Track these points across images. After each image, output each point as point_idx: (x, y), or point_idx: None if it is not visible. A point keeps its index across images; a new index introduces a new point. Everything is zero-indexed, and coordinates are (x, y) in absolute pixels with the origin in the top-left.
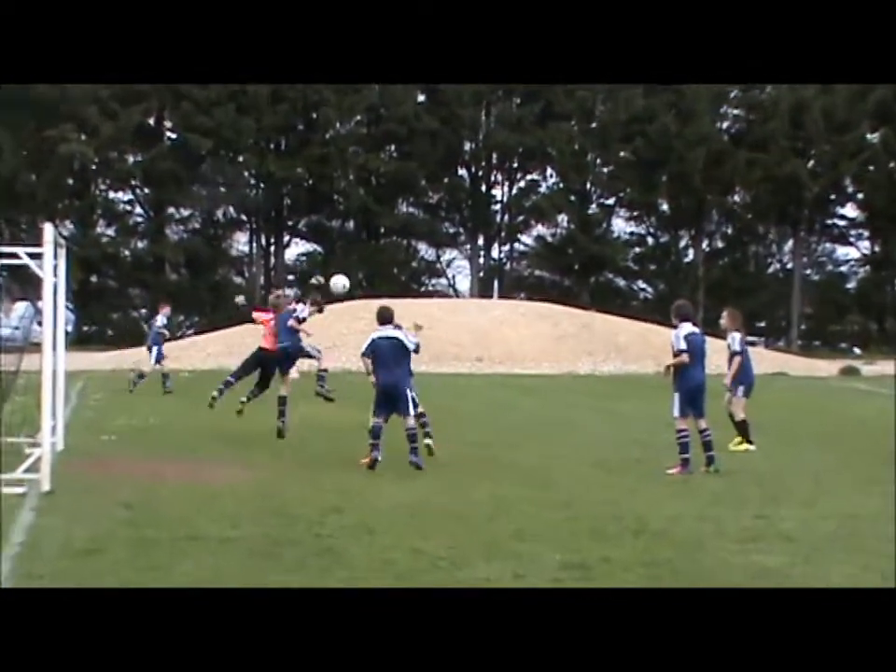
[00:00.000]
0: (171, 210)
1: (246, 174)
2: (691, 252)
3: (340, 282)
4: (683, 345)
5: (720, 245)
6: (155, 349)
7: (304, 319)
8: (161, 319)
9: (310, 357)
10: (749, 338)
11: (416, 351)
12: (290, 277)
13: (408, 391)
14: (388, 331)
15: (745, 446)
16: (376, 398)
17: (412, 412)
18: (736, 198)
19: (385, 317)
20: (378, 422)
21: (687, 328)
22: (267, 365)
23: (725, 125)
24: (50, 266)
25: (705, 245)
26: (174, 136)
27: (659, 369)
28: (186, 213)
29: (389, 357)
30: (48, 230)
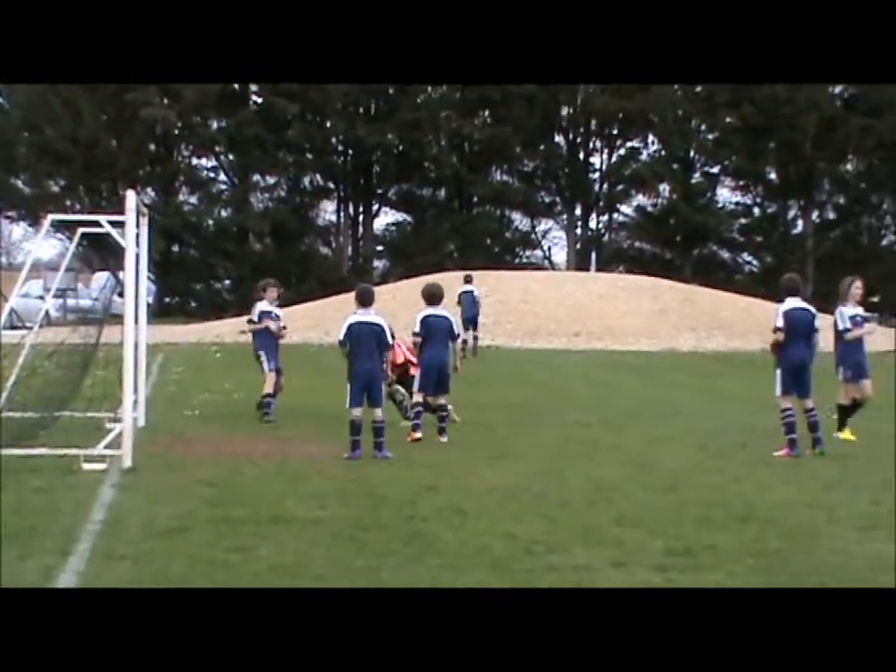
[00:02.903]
0: (256, 177)
1: (334, 140)
2: (800, 223)
3: None
4: (780, 322)
5: (831, 216)
6: None
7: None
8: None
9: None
10: (864, 314)
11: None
12: (379, 248)
13: (382, 382)
14: (368, 316)
15: None
16: (351, 387)
17: (382, 403)
18: (849, 166)
19: (365, 299)
20: (358, 415)
21: (790, 303)
22: None
23: (838, 90)
24: (132, 235)
25: (815, 215)
26: (259, 100)
27: (765, 346)
28: (271, 180)
29: (366, 344)
30: (130, 197)
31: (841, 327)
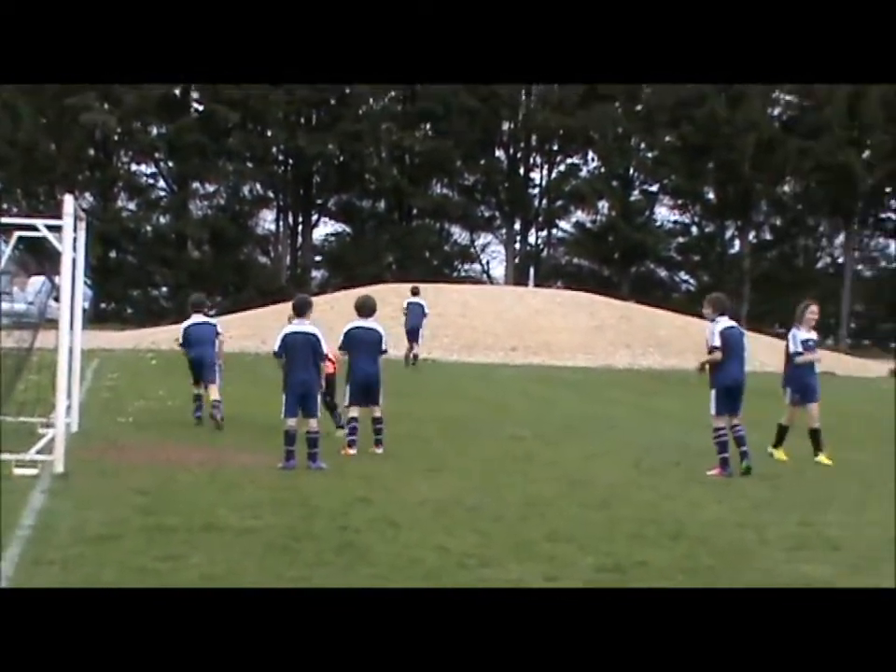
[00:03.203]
0: (195, 185)
1: (275, 149)
2: (737, 243)
3: None
4: (718, 342)
5: (767, 236)
6: None
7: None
8: None
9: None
10: (816, 338)
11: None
12: (317, 258)
13: (318, 393)
14: (304, 326)
15: None
16: (286, 397)
17: (317, 414)
18: (786, 188)
19: (300, 310)
20: (292, 425)
21: (724, 322)
22: None
23: (777, 111)
24: (70, 239)
25: (752, 236)
26: (200, 108)
27: (697, 365)
28: (211, 188)
29: (301, 354)
30: (68, 201)
31: (792, 349)
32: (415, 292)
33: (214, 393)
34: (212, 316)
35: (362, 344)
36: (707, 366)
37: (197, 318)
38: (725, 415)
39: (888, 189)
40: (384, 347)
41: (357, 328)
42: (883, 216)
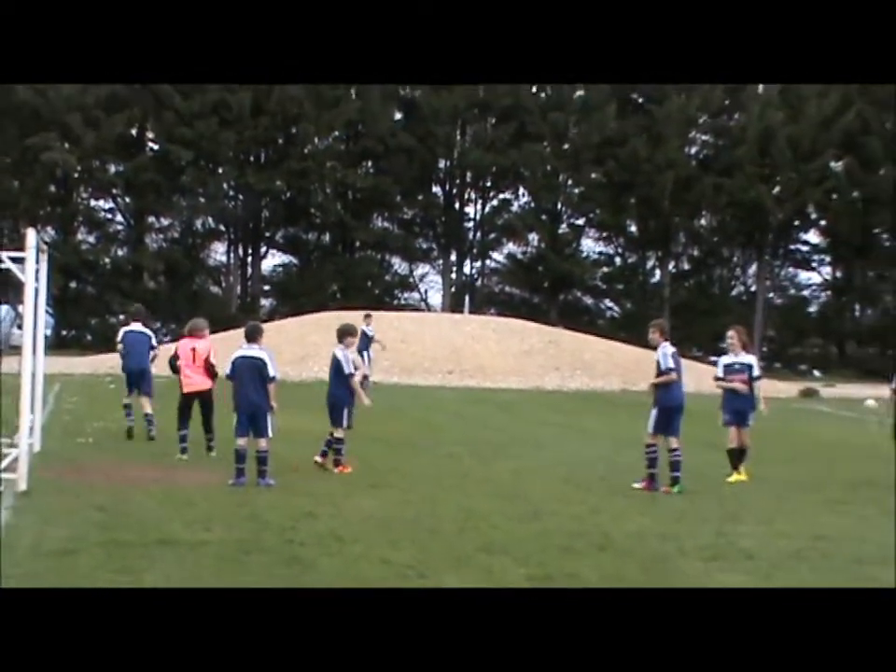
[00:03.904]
0: (151, 219)
1: (226, 185)
2: (657, 273)
3: None
4: (672, 364)
5: (686, 266)
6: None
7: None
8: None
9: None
10: (744, 362)
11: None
12: (266, 288)
13: (269, 414)
14: (252, 350)
15: None
16: (237, 417)
17: (269, 434)
18: (703, 221)
19: (249, 335)
20: (243, 444)
21: (670, 347)
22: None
23: (694, 150)
24: (32, 271)
25: (671, 266)
26: (155, 147)
27: (626, 386)
28: (165, 222)
29: (248, 377)
30: (30, 235)
31: (714, 374)
32: (364, 317)
33: (147, 406)
34: (153, 330)
35: (330, 369)
36: (655, 387)
37: (135, 326)
38: (660, 434)
39: (796, 223)
40: (345, 370)
41: (333, 353)
42: (792, 247)
